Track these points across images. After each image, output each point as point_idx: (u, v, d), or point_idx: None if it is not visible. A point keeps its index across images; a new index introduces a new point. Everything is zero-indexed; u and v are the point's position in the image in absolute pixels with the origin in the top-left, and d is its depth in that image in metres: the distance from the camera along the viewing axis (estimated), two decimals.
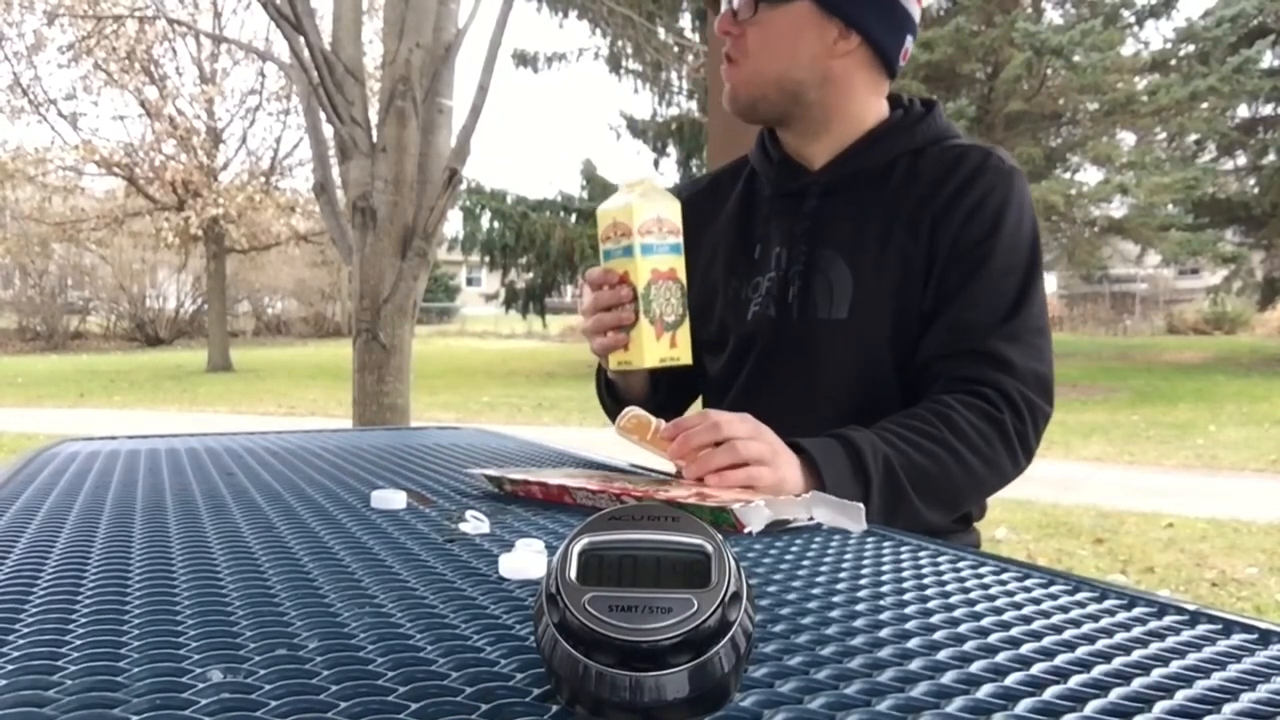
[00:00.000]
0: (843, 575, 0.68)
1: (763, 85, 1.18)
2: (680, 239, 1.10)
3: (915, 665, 0.48)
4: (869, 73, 1.20)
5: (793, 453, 0.98)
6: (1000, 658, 0.50)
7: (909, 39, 1.21)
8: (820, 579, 0.66)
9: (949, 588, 0.65)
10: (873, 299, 1.15)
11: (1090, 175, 16.49)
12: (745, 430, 0.95)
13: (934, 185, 1.16)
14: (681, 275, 1.11)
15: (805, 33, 1.15)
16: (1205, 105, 14.36)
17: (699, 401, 1.37)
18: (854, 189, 1.20)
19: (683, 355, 1.12)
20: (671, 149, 17.16)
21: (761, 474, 0.93)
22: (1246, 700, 0.44)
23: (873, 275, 1.16)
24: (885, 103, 1.24)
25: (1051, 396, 1.13)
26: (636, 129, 17.50)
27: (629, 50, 15.30)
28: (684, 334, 1.11)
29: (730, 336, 1.26)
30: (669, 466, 1.05)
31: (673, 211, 1.10)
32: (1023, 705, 0.43)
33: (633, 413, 1.03)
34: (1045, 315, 1.16)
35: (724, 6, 1.22)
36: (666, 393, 1.33)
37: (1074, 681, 0.46)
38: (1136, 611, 0.61)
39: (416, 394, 5.18)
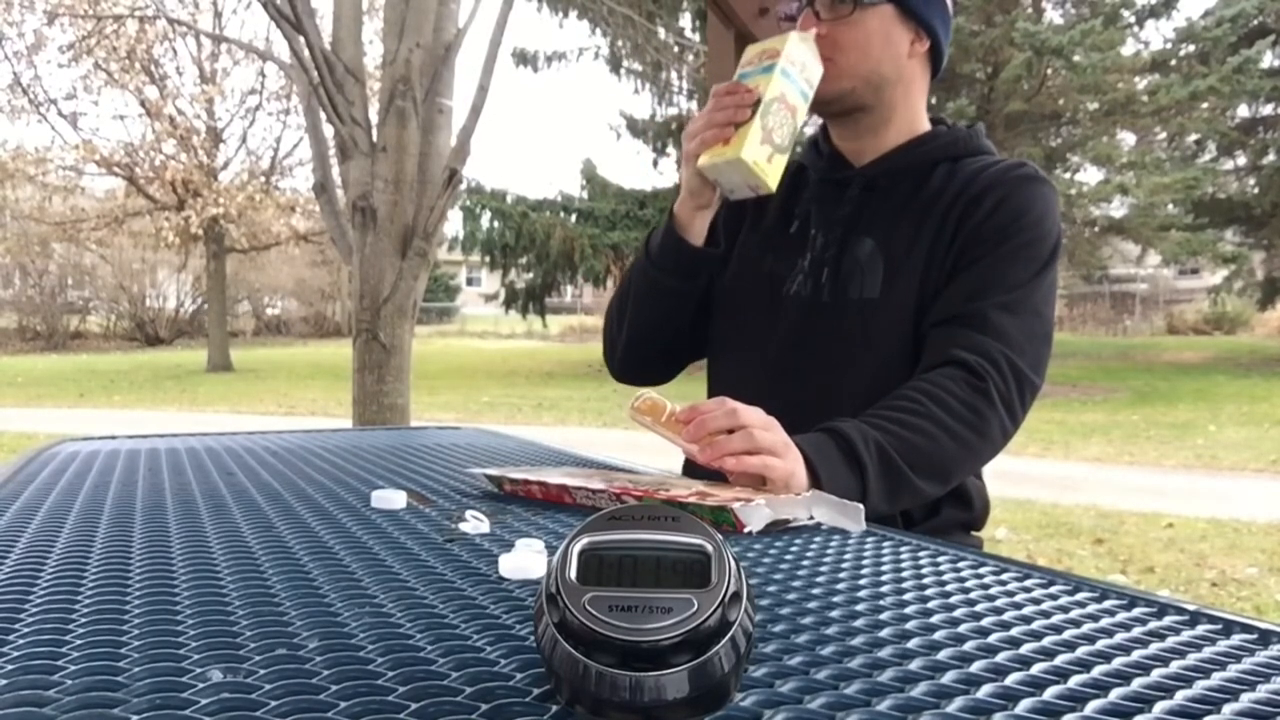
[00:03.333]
0: (843, 575, 0.68)
1: (853, 79, 1.22)
2: (811, 94, 1.16)
3: (915, 665, 0.48)
4: (926, 76, 1.28)
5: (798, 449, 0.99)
6: (1000, 658, 0.50)
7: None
8: (820, 579, 0.66)
9: (949, 588, 0.65)
10: (902, 282, 1.20)
11: (1090, 175, 16.50)
12: (759, 420, 0.97)
13: (967, 184, 1.21)
14: (800, 120, 1.15)
15: (892, 33, 1.22)
16: (1205, 105, 14.35)
17: (706, 389, 1.38)
18: (895, 185, 1.25)
19: (771, 178, 1.13)
20: (671, 149, 17.15)
21: (775, 464, 0.94)
22: (1246, 700, 0.44)
23: (903, 261, 1.20)
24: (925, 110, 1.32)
25: (1041, 372, 1.16)
26: (636, 129, 17.51)
27: (629, 50, 15.30)
28: (780, 162, 1.14)
29: (764, 313, 1.29)
30: (677, 451, 1.05)
31: (816, 71, 1.16)
32: (1023, 705, 0.43)
33: (647, 395, 1.03)
34: (1050, 308, 1.19)
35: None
36: (694, 314, 1.32)
37: (1074, 681, 0.46)
38: (1136, 611, 0.61)
39: (416, 394, 5.18)
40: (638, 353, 1.35)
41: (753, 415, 0.97)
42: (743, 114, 1.12)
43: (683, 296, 1.30)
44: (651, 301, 1.31)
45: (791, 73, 1.13)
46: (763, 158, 1.12)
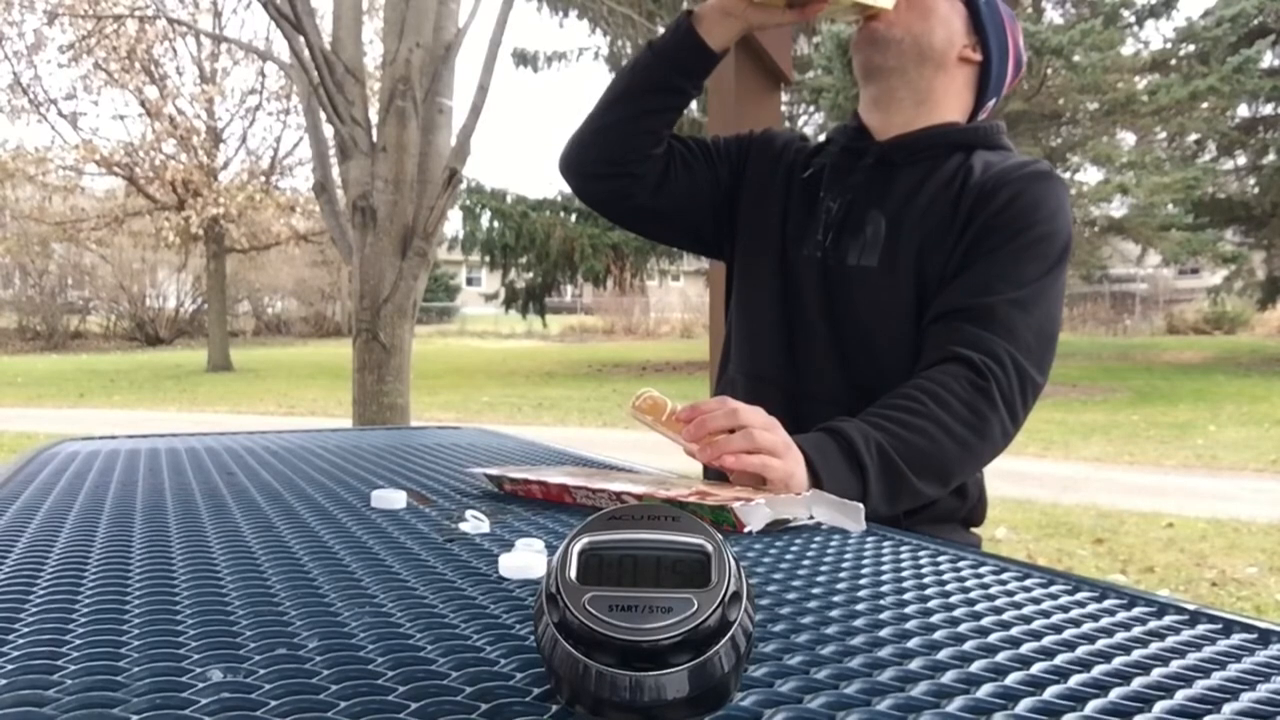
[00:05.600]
0: (843, 575, 0.68)
1: (903, 34, 1.26)
2: None
3: (915, 665, 0.48)
4: (969, 94, 1.31)
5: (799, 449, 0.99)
6: (1000, 657, 0.50)
7: (994, 101, 1.33)
8: (820, 579, 0.66)
9: (949, 588, 0.65)
10: (902, 257, 1.21)
11: (1090, 175, 16.49)
12: (760, 420, 0.97)
13: (980, 175, 1.22)
14: None
15: (954, 21, 1.27)
16: (1205, 105, 14.34)
17: (708, 382, 1.39)
18: (909, 162, 1.27)
19: None
20: None
21: (774, 464, 0.95)
22: (1246, 700, 0.44)
23: (906, 233, 1.21)
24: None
25: (1046, 372, 1.16)
26: None
27: (629, 50, 15.30)
28: None
29: (777, 275, 1.30)
30: (677, 451, 1.05)
31: None
32: (1023, 705, 0.43)
33: (648, 393, 1.03)
34: (1058, 307, 1.20)
35: None
36: (660, 134, 1.32)
37: (1074, 681, 0.46)
38: (1136, 611, 0.61)
39: (416, 394, 5.18)
40: (592, 141, 1.32)
41: (753, 415, 0.97)
42: None
43: (667, 93, 1.29)
44: (632, 92, 1.30)
45: None
46: None
